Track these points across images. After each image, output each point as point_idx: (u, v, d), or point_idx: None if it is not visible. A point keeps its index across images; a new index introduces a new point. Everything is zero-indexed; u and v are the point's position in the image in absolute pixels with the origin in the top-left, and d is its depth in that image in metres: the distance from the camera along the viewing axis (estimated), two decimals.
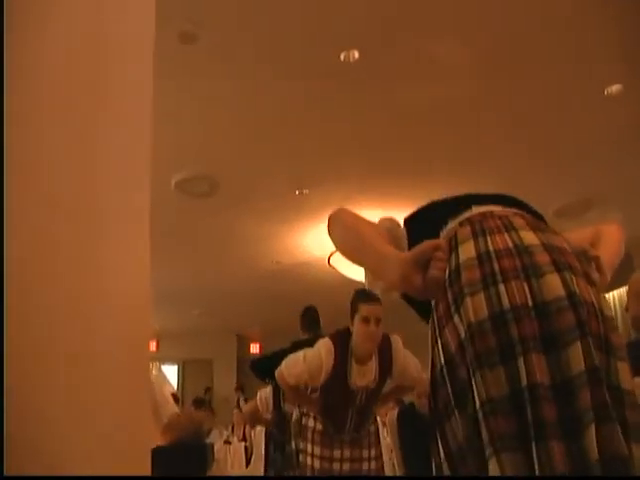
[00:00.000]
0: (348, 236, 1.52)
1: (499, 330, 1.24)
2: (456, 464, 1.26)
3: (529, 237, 1.35)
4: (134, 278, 1.24)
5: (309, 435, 3.09)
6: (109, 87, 1.26)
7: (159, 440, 2.69)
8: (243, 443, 7.57)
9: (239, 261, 7.85)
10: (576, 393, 1.19)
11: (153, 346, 8.88)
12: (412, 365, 3.17)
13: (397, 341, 3.15)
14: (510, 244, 1.33)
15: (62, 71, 1.17)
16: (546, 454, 1.15)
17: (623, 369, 1.25)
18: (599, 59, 4.13)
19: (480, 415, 1.21)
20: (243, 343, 12.00)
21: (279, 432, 4.50)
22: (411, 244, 1.49)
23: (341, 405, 3.12)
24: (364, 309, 3.02)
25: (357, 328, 3.03)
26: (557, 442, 1.16)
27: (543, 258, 1.30)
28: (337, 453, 3.04)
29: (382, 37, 3.83)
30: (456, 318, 1.30)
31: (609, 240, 1.61)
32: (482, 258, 1.32)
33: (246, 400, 9.80)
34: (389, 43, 3.88)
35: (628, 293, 3.10)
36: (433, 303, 1.40)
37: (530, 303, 1.25)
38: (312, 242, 7.12)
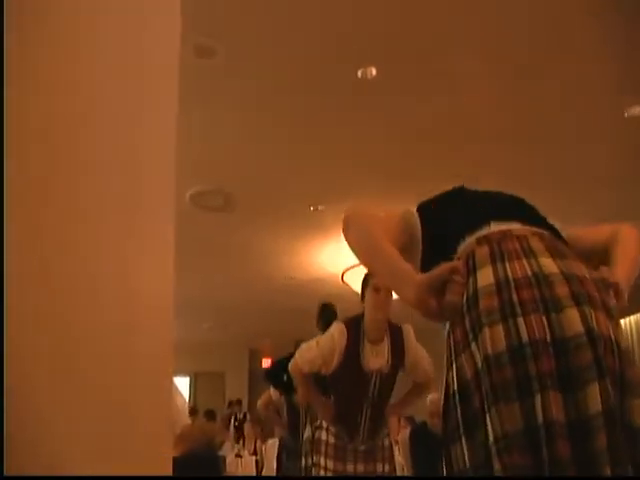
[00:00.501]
0: (364, 243, 1.51)
1: (517, 365, 1.23)
2: None
3: (548, 265, 1.33)
4: (157, 279, 1.25)
5: (322, 448, 3.05)
6: (137, 89, 1.28)
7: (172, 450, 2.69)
8: (254, 457, 7.57)
9: (253, 275, 7.87)
10: (593, 434, 1.18)
11: None
12: (424, 358, 3.17)
13: (409, 330, 3.16)
14: (529, 272, 1.31)
15: (87, 82, 1.19)
16: None
17: (637, 407, 1.23)
18: (621, 81, 4.13)
19: (494, 450, 1.21)
20: (255, 357, 12.00)
21: (292, 438, 4.49)
22: (425, 233, 1.54)
23: (355, 397, 3.06)
24: (372, 280, 3.08)
25: (368, 298, 3.07)
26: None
27: (562, 290, 1.28)
28: (350, 467, 3.00)
29: (400, 54, 3.84)
30: (473, 346, 1.29)
31: (627, 243, 1.58)
32: (501, 286, 1.30)
33: (244, 415, 9.80)
34: (407, 60, 3.89)
35: None
36: (448, 325, 1.39)
37: (549, 338, 1.24)
38: (326, 258, 7.13)
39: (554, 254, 1.36)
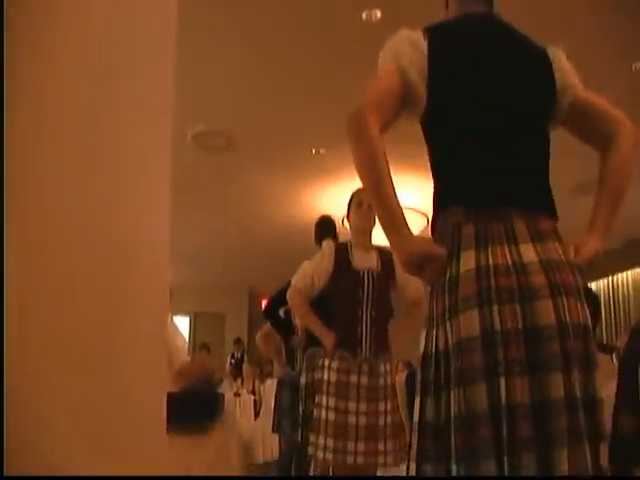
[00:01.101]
0: (368, 176, 1.53)
1: (487, 351, 1.34)
2: (423, 436, 1.42)
3: (528, 252, 1.43)
4: (152, 221, 1.26)
5: (324, 388, 3.04)
6: (130, 32, 1.26)
7: (171, 387, 2.75)
8: (252, 396, 7.71)
9: (253, 217, 7.87)
10: (553, 416, 1.30)
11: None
12: (413, 278, 3.12)
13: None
14: (509, 260, 1.41)
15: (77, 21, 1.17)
16: (518, 465, 1.27)
17: (593, 379, 1.40)
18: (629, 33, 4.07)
19: (452, 427, 1.34)
20: (255, 299, 12.09)
21: (290, 379, 4.52)
22: (433, 56, 1.56)
23: (351, 299, 3.10)
24: (357, 195, 3.27)
25: (352, 212, 3.27)
26: (528, 455, 1.27)
27: (539, 279, 1.39)
28: (352, 406, 2.99)
29: None
30: (448, 326, 1.40)
31: (617, 177, 1.66)
32: (481, 272, 1.40)
33: (242, 355, 9.92)
34: (412, 2, 3.83)
35: None
36: (430, 290, 1.52)
37: (520, 327, 1.35)
38: (327, 202, 7.12)
39: (535, 238, 1.46)
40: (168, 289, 1.37)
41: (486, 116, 1.55)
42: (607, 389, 2.88)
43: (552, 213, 1.56)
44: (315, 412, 3.06)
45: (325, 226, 4.31)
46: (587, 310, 1.45)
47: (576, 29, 3.93)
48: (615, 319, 8.69)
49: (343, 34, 4.16)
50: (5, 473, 0.91)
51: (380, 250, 3.23)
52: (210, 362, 7.56)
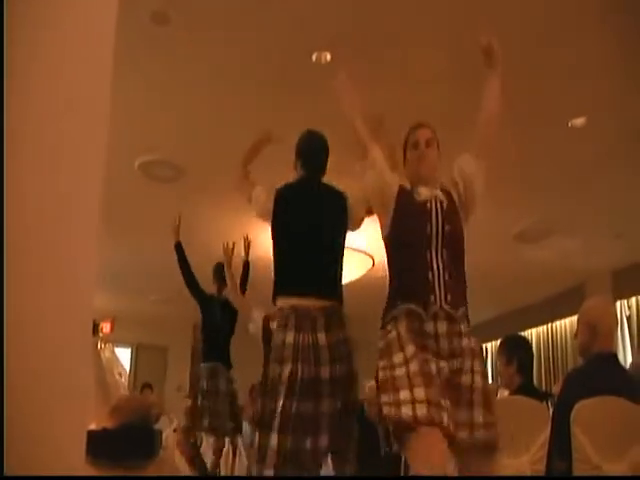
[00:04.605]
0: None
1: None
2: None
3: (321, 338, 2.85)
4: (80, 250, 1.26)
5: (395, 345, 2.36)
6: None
7: (106, 422, 2.69)
8: None
9: (198, 249, 7.80)
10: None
11: (107, 327, 8.78)
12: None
13: None
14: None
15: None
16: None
17: None
18: (565, 91, 4.25)
19: None
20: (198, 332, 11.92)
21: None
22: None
23: (418, 227, 2.48)
24: (411, 136, 2.73)
25: (408, 157, 2.71)
26: None
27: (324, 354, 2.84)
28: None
29: (355, 41, 3.88)
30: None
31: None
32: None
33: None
34: (362, 47, 3.93)
35: (578, 321, 3.20)
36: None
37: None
38: (269, 239, 7.12)
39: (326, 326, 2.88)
40: (91, 318, 1.36)
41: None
42: (541, 436, 2.95)
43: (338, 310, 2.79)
44: (381, 374, 2.35)
45: (218, 273, 4.98)
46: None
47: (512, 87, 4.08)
48: (553, 366, 8.86)
49: (293, 73, 4.23)
50: (5, 473, 0.91)
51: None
52: (148, 397, 7.42)
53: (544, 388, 7.85)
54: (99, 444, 2.22)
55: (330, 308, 2.94)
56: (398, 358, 2.27)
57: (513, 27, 3.71)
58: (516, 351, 3.66)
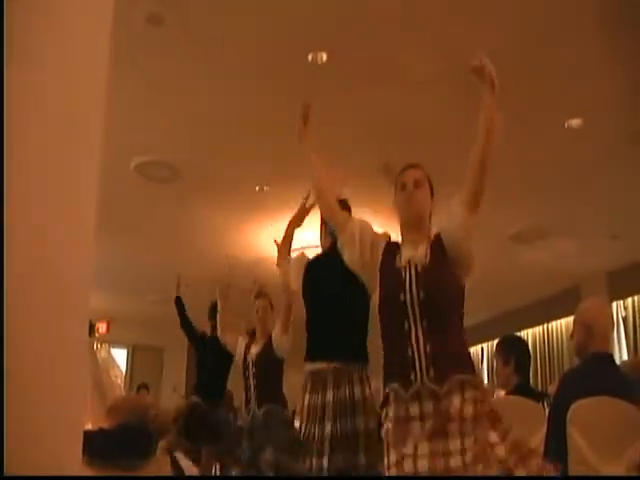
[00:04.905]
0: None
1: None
2: None
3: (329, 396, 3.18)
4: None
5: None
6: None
7: (103, 422, 2.68)
8: None
9: (193, 250, 7.79)
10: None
11: (103, 328, 8.78)
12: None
13: None
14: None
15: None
16: None
17: None
18: (563, 91, 4.26)
19: None
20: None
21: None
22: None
23: (394, 297, 2.30)
24: (399, 178, 2.54)
25: (397, 199, 2.53)
26: None
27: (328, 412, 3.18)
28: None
29: (351, 41, 3.88)
30: None
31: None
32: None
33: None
34: (358, 47, 3.93)
35: (574, 322, 3.21)
36: None
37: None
38: (268, 238, 7.13)
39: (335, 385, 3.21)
40: (88, 319, 1.36)
41: None
42: (537, 436, 2.95)
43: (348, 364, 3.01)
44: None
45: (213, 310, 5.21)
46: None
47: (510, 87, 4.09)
48: (549, 366, 8.87)
49: (290, 73, 4.23)
50: (5, 473, 0.92)
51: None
52: (144, 398, 7.41)
53: (540, 389, 7.87)
54: (95, 444, 2.22)
55: (342, 369, 3.26)
56: (385, 461, 2.22)
57: (513, 27, 3.72)
58: (513, 351, 3.66)
